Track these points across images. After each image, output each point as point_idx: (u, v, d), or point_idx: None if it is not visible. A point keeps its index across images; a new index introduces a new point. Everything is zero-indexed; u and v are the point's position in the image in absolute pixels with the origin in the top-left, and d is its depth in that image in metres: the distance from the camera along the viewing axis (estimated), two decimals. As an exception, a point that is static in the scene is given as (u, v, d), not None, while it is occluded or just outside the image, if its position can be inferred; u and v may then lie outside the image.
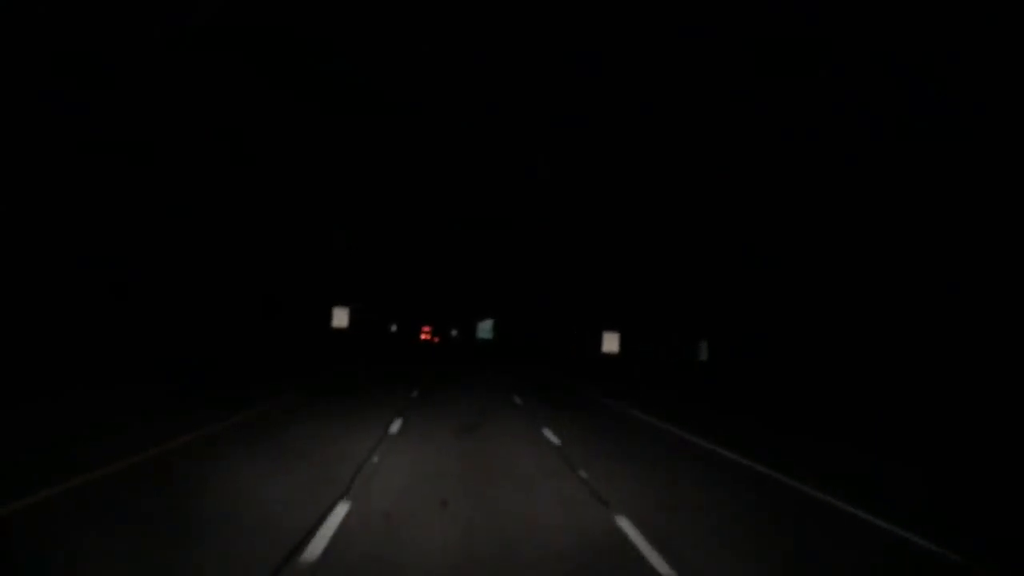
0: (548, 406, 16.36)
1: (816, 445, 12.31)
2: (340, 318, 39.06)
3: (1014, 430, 11.20)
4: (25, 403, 11.07)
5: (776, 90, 19.55)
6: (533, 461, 8.90)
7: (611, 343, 35.28)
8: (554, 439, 10.81)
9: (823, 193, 18.71)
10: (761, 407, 17.89)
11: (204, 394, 14.40)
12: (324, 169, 33.77)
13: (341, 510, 5.79)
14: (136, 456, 7.50)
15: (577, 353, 42.87)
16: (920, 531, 6.26)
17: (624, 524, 5.89)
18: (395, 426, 11.14)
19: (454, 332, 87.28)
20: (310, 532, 5.14)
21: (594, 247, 38.11)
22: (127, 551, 4.65)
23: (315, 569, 4.44)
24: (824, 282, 19.09)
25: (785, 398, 18.75)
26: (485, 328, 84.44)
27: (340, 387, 18.15)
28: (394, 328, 76.65)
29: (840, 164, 17.83)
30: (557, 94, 31.38)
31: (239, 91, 22.52)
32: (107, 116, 17.44)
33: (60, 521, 5.25)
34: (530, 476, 7.88)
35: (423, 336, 77.85)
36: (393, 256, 54.56)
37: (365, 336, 54.59)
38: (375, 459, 8.20)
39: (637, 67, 25.65)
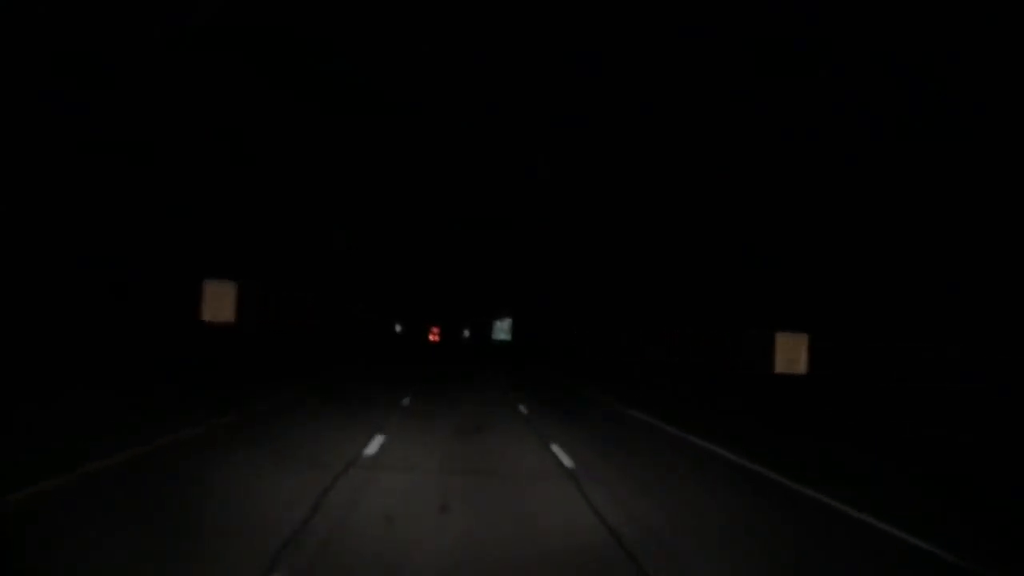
0: None
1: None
2: (218, 305, 22.78)
3: (1014, 430, 11.19)
4: (25, 403, 11.08)
5: (776, 90, 19.54)
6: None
7: (791, 358, 18.99)
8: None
9: (823, 193, 18.71)
10: None
11: (204, 395, 14.41)
12: (324, 169, 33.76)
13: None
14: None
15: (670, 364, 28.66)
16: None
17: None
18: (372, 446, 9.22)
19: (466, 333, 79.82)
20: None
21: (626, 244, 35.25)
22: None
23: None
24: (821, 282, 19.08)
25: None
26: (502, 328, 72.53)
27: (328, 389, 18.17)
28: (399, 329, 73.99)
29: (840, 164, 17.84)
30: (557, 94, 31.36)
31: (239, 91, 22.51)
32: (107, 116, 17.44)
33: (53, 511, 5.26)
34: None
35: (432, 338, 74.72)
36: (394, 256, 54.48)
37: (365, 337, 54.44)
38: (332, 497, 6.42)
39: (637, 67, 25.64)
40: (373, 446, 9.25)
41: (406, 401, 15.27)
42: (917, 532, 6.11)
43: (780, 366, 18.68)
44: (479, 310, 73.85)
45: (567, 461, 8.73)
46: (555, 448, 9.72)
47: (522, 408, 15.41)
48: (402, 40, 27.15)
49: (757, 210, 22.59)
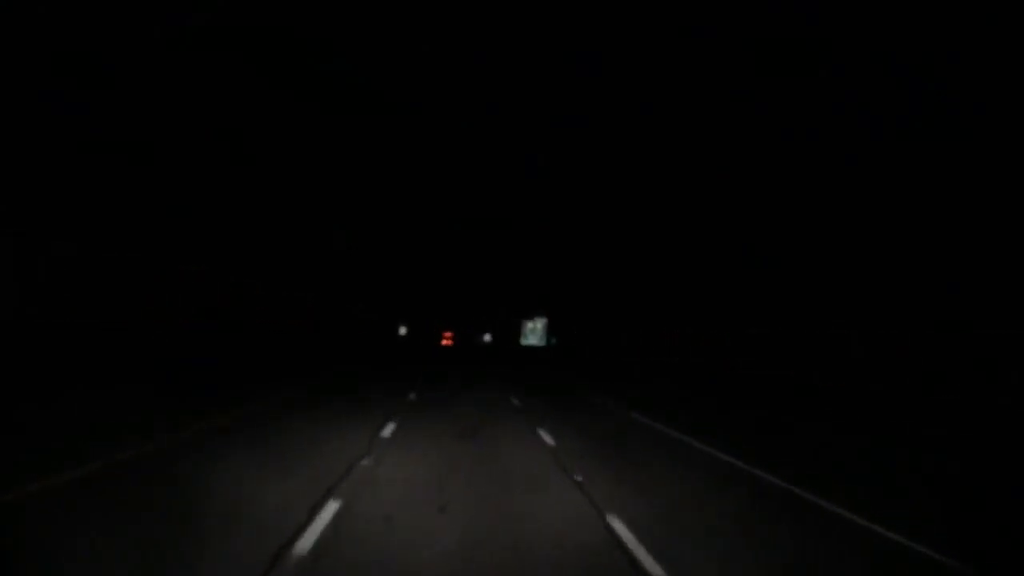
0: None
1: None
2: None
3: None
4: (25, 403, 11.08)
5: (776, 90, 19.54)
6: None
7: None
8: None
9: (823, 193, 18.71)
10: None
11: (203, 395, 14.40)
12: (324, 169, 33.79)
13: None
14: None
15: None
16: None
17: None
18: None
19: (486, 337, 70.42)
20: None
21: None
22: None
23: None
24: (821, 283, 19.09)
25: None
26: (535, 331, 60.18)
27: (328, 389, 18.15)
28: (403, 331, 69.91)
29: (840, 164, 17.83)
30: (557, 94, 31.40)
31: (239, 91, 22.52)
32: (107, 116, 17.44)
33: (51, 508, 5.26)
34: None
35: (444, 342, 68.87)
36: (395, 256, 54.36)
37: (364, 340, 54.15)
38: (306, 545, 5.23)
39: (637, 67, 25.65)
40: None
41: (408, 404, 13.07)
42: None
43: None
44: (505, 312, 65.80)
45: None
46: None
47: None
48: (402, 40, 27.18)
49: (757, 210, 22.59)
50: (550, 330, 57.50)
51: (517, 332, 63.15)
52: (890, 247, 16.56)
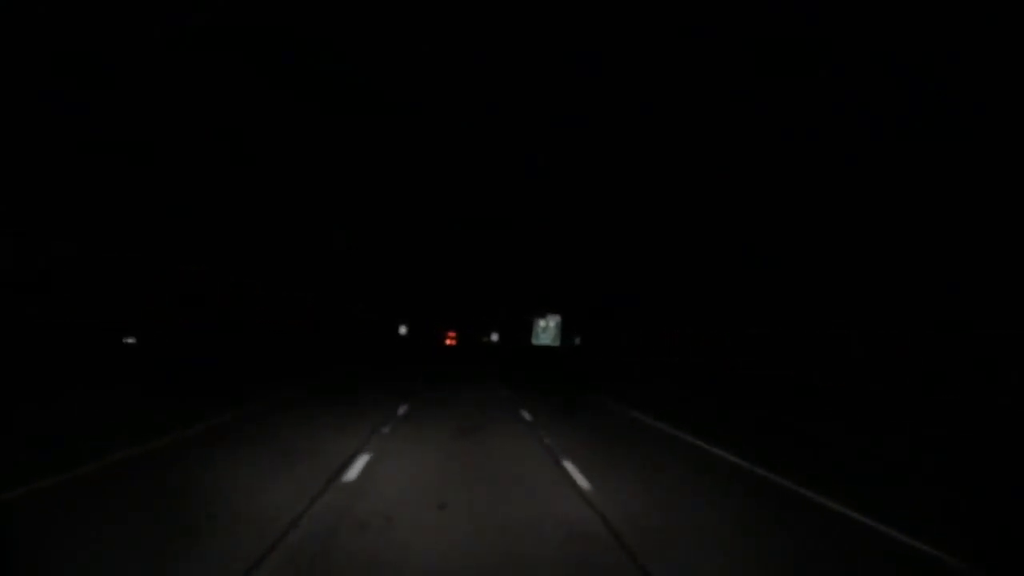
0: None
1: None
2: None
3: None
4: (25, 403, 11.09)
5: (776, 90, 19.54)
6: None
7: None
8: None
9: (823, 193, 18.71)
10: None
11: (203, 395, 14.40)
12: (324, 169, 33.78)
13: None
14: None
15: None
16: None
17: None
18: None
19: (494, 337, 68.35)
20: None
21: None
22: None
23: None
24: (821, 283, 19.10)
25: None
26: (547, 329, 56.36)
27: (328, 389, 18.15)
28: (403, 331, 68.96)
29: (840, 164, 17.83)
30: (557, 94, 31.39)
31: (239, 91, 22.52)
32: (107, 116, 17.45)
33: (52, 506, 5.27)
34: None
35: (447, 341, 67.83)
36: (395, 256, 54.23)
37: (362, 341, 53.89)
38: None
39: (637, 67, 25.65)
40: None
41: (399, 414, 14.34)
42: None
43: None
44: (506, 312, 63.25)
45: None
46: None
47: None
48: (402, 40, 27.16)
49: (757, 210, 22.59)
50: (565, 329, 53.51)
51: (527, 331, 58.43)
52: (890, 247, 16.56)
